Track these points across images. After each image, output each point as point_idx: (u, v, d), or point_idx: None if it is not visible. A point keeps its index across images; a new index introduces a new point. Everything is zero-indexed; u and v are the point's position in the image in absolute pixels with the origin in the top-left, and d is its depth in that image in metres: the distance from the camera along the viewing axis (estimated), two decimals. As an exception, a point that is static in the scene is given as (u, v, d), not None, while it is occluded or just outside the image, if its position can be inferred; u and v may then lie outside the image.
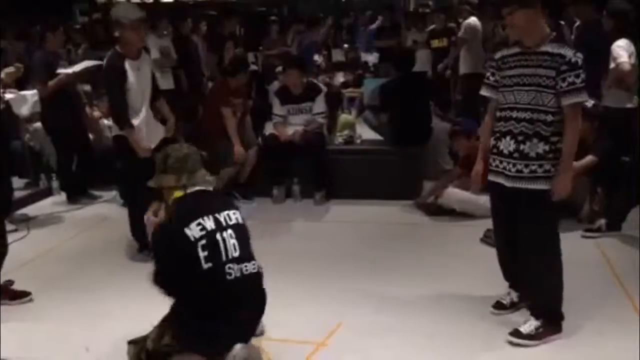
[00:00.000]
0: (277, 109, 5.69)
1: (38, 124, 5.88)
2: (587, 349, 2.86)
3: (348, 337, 3.08)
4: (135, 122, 4.09)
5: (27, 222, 5.09)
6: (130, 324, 3.25)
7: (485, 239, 4.30)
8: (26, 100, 5.29)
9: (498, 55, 3.09)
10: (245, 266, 2.63)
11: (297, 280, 3.78)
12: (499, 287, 3.49)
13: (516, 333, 2.96)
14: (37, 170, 6.14)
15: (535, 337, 2.93)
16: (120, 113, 4.07)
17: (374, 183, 5.44)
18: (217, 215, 2.64)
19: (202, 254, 2.55)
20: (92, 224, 5.08)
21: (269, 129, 5.86)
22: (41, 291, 3.63)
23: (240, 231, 2.68)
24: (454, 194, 4.92)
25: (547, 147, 2.88)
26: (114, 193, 5.70)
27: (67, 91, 5.43)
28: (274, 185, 5.56)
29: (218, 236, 2.59)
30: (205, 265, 2.55)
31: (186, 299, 2.63)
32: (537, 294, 3.02)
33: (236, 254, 2.60)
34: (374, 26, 10.94)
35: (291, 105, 5.65)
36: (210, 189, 2.85)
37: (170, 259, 2.63)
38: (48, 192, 5.94)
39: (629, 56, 4.32)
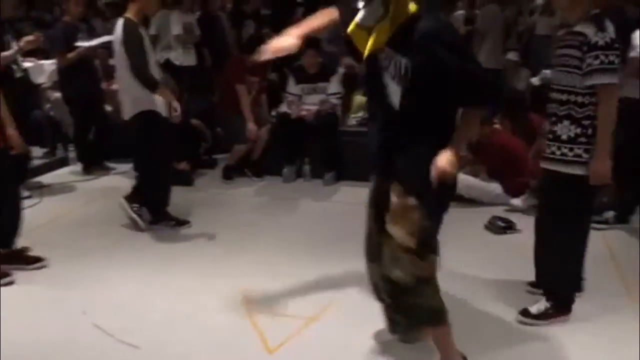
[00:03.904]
0: (292, 87, 5.69)
1: (59, 94, 5.99)
2: (578, 343, 2.81)
3: (341, 313, 3.10)
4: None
5: (41, 189, 5.22)
6: (128, 292, 3.35)
7: (489, 226, 4.26)
8: (43, 70, 5.39)
9: (557, 35, 3.06)
10: None
11: (298, 257, 3.81)
12: (500, 272, 3.49)
13: (525, 313, 3.00)
14: (55, 140, 6.26)
15: (544, 317, 2.96)
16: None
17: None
18: None
19: None
20: (103, 194, 5.17)
21: (282, 107, 5.86)
22: (45, 257, 3.72)
23: None
24: (463, 180, 4.84)
25: (578, 131, 2.79)
26: (128, 166, 5.78)
27: (85, 62, 5.51)
28: (285, 164, 5.58)
29: None
30: None
31: None
32: (554, 276, 3.02)
33: None
34: None
35: (306, 84, 5.64)
36: None
37: None
38: (64, 162, 6.07)
39: (649, 45, 4.19)
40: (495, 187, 4.78)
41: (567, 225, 2.91)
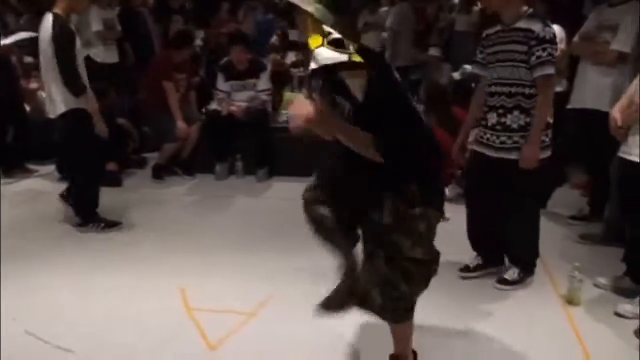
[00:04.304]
0: (221, 84, 5.65)
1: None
2: (501, 327, 2.98)
3: (279, 308, 3.14)
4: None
5: (-41, 195, 4.95)
6: (62, 297, 3.27)
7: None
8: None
9: (484, 33, 3.31)
10: None
11: (233, 254, 3.83)
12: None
13: (503, 281, 3.35)
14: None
15: (519, 281, 3.35)
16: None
17: (316, 161, 5.48)
18: None
19: None
20: (28, 198, 4.98)
21: (212, 105, 5.83)
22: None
23: None
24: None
25: (528, 119, 3.09)
26: (51, 167, 5.58)
27: (1, 60, 5.25)
28: (216, 161, 5.56)
29: None
30: None
31: None
32: (520, 248, 3.40)
33: None
34: None
35: (235, 81, 5.63)
36: None
37: None
38: (-18, 165, 5.76)
39: (559, 42, 4.47)
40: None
41: (526, 203, 3.26)
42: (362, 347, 2.79)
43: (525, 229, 3.35)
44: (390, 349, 2.47)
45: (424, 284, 2.25)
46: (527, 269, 3.41)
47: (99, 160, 4.39)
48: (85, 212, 4.27)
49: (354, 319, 2.92)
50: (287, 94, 6.20)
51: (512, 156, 3.14)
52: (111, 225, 4.28)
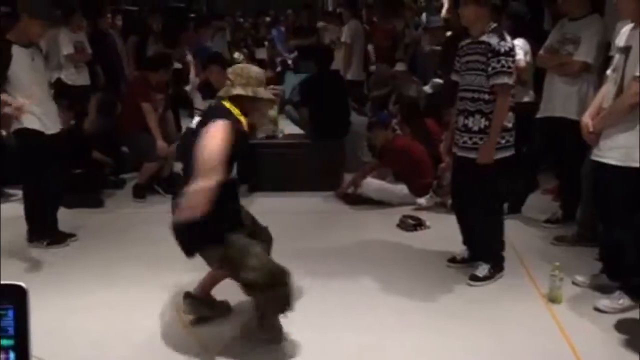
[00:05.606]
0: (199, 103, 5.72)
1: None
2: (490, 328, 3.09)
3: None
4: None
5: None
6: (52, 317, 3.25)
7: (400, 225, 4.56)
8: None
9: (460, 45, 3.60)
10: None
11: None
12: (411, 267, 3.81)
13: (474, 277, 3.52)
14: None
15: (489, 277, 3.53)
16: None
17: (296, 175, 5.60)
18: None
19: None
20: (2, 223, 4.90)
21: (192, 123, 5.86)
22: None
23: None
24: (372, 184, 5.18)
25: (487, 123, 3.36)
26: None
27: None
28: (197, 179, 5.58)
29: None
30: None
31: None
32: (485, 244, 3.62)
33: None
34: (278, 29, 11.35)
35: (213, 100, 5.68)
36: None
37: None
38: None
39: (525, 54, 4.71)
40: (402, 188, 5.12)
41: (490, 201, 3.49)
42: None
43: (487, 226, 3.57)
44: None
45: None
46: (495, 265, 3.57)
47: (43, 177, 4.28)
48: (33, 227, 4.31)
49: (338, 325, 3.04)
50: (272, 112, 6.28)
51: (471, 155, 3.42)
52: (58, 241, 4.28)
